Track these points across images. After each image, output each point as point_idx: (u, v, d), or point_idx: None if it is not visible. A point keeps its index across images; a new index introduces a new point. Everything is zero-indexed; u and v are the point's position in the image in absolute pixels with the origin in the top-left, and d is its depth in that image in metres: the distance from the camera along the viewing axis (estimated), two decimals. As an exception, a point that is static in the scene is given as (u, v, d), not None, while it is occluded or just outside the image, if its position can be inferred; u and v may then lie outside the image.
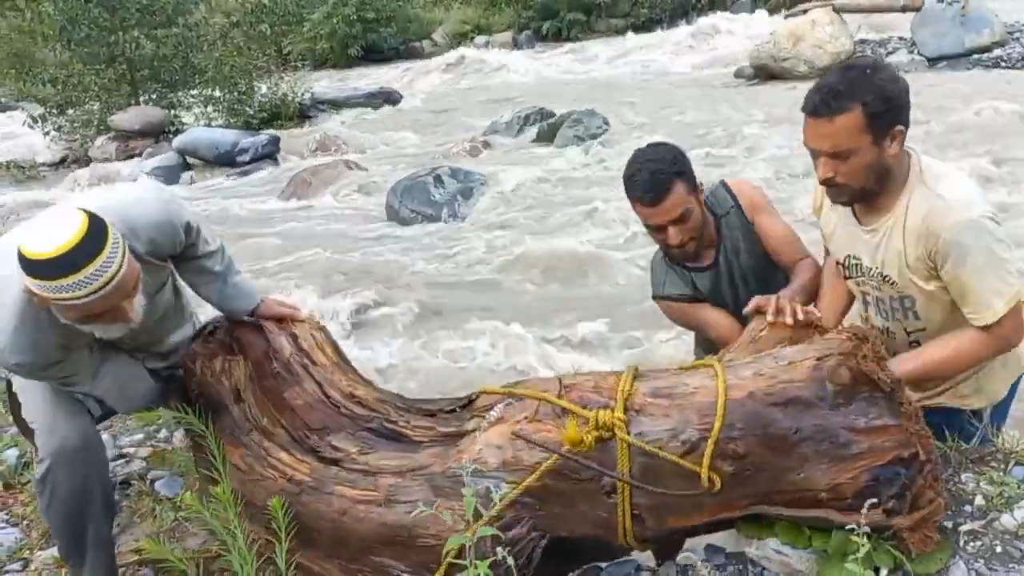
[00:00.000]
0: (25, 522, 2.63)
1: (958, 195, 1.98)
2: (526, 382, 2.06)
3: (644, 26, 21.80)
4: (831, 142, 1.97)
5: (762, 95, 12.16)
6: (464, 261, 7.11)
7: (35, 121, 15.01)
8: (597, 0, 23.11)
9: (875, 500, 1.65)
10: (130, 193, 2.14)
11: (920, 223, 1.98)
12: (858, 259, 2.18)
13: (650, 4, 22.90)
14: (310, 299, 6.12)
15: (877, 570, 1.80)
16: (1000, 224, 1.97)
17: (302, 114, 15.44)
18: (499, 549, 1.46)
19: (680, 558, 1.96)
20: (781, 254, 2.51)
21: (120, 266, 1.79)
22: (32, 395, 2.11)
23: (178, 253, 2.15)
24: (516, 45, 22.94)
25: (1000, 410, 2.22)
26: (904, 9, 14.06)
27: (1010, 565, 1.78)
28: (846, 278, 2.26)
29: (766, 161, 8.70)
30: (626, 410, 1.80)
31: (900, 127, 1.96)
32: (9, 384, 2.25)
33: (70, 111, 15.16)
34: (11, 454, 2.95)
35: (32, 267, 1.74)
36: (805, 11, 14.22)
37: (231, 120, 14.55)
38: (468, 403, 2.04)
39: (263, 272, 7.01)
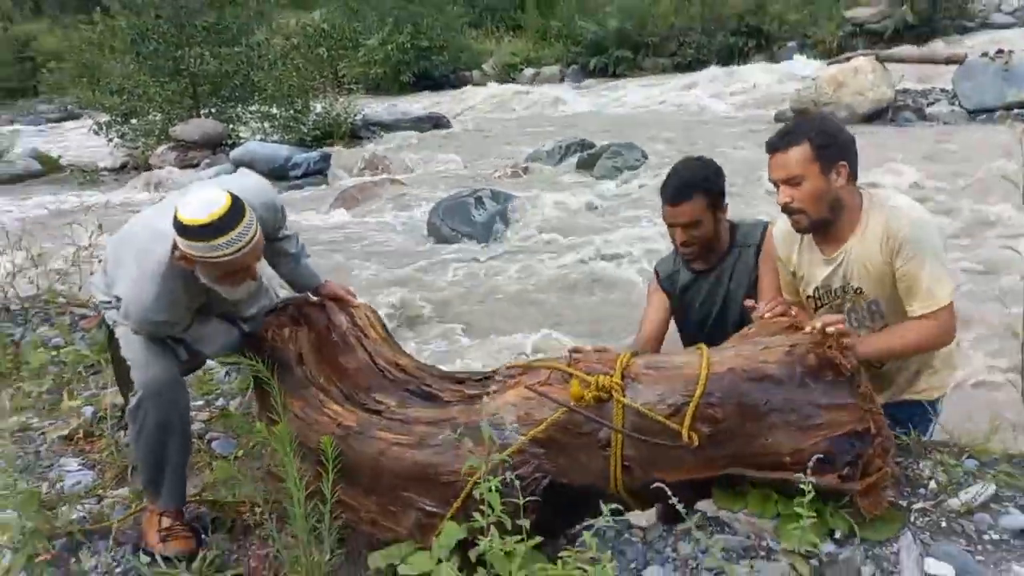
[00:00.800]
0: (99, 466, 3.00)
1: (909, 204, 2.38)
2: (543, 360, 2.40)
3: (690, 66, 22.20)
4: (785, 171, 2.38)
5: (800, 138, 12.38)
6: (498, 279, 7.46)
7: (100, 128, 15.77)
8: (645, 39, 23.59)
9: (830, 464, 1.95)
10: (247, 180, 2.58)
11: (881, 230, 2.34)
12: (827, 286, 2.52)
13: (697, 45, 23.29)
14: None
15: (832, 533, 2.09)
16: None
17: (353, 134, 16.02)
18: (508, 473, 1.78)
19: (661, 516, 2.25)
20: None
21: (256, 231, 2.23)
22: (130, 337, 2.49)
23: (271, 233, 2.55)
24: (563, 79, 23.47)
25: (934, 408, 2.58)
26: (947, 61, 14.26)
27: (952, 538, 2.05)
28: (817, 308, 2.59)
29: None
30: (623, 377, 2.13)
31: (844, 163, 2.37)
32: (109, 328, 2.64)
33: (133, 120, 15.90)
34: (88, 410, 3.34)
35: (189, 232, 2.16)
36: (848, 59, 14.49)
37: (286, 136, 15.15)
38: (493, 375, 2.38)
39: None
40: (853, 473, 2.01)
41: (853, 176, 2.40)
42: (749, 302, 2.45)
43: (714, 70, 20.19)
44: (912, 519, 2.12)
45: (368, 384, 2.48)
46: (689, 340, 2.84)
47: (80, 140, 18.13)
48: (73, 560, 2.46)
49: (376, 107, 18.19)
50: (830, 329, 2.07)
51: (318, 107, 16.08)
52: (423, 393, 2.41)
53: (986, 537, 2.02)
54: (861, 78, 13.61)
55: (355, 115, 16.27)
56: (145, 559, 2.43)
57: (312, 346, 2.62)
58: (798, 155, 2.34)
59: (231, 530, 2.57)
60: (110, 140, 15.77)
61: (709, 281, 2.89)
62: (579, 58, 24.21)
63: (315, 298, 2.79)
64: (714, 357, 2.12)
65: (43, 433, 3.20)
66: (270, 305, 2.76)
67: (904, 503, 2.15)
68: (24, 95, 28.43)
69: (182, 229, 2.17)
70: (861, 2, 24.10)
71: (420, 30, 23.64)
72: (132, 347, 2.48)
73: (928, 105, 13.95)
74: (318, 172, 12.89)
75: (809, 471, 1.91)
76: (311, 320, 2.70)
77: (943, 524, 2.09)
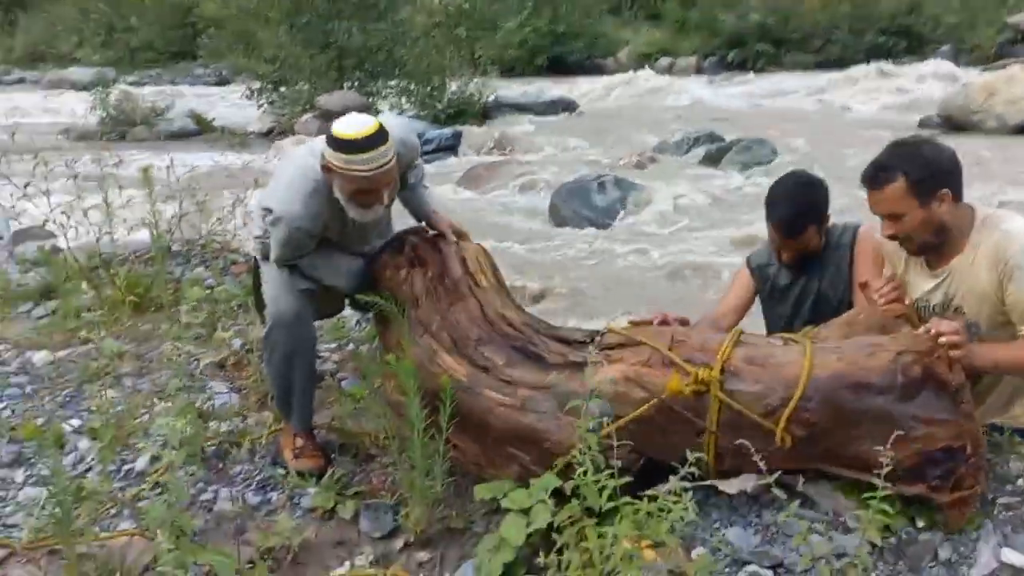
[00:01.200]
0: (244, 391, 3.38)
1: (1011, 217, 2.34)
2: (645, 330, 2.54)
3: (834, 65, 21.45)
4: (883, 208, 2.38)
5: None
6: (610, 261, 7.62)
7: (252, 94, 16.74)
8: (788, 35, 22.95)
9: (920, 475, 2.04)
10: (393, 119, 2.97)
11: (992, 253, 2.31)
12: (926, 301, 2.51)
13: (843, 44, 22.49)
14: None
15: (914, 520, 2.18)
16: None
17: (485, 114, 16.39)
18: (600, 455, 1.95)
19: (751, 487, 2.38)
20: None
21: (392, 159, 2.55)
22: (271, 273, 2.82)
23: (403, 168, 2.83)
24: (700, 71, 23.12)
25: None
26: (1116, 73, 13.36)
27: (1026, 533, 2.12)
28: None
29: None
30: (723, 371, 2.21)
31: (945, 191, 2.31)
32: (256, 266, 2.98)
33: (283, 88, 16.79)
34: (236, 342, 3.74)
35: (337, 143, 2.52)
36: (1004, 66, 13.78)
37: (421, 113, 15.66)
38: (597, 337, 2.53)
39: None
40: (943, 485, 2.06)
41: (958, 197, 2.35)
42: (863, 279, 2.52)
43: (860, 69, 19.37)
44: (996, 512, 2.19)
45: (478, 336, 2.58)
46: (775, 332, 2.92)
47: (232, 103, 19.24)
48: (220, 465, 2.83)
49: (509, 89, 18.51)
50: (943, 340, 2.06)
51: (453, 86, 16.52)
52: (529, 353, 2.52)
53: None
54: (1016, 87, 12.91)
55: (488, 95, 16.63)
56: (281, 472, 2.76)
57: (427, 290, 2.72)
58: (894, 192, 2.32)
59: (355, 456, 2.87)
60: (260, 106, 16.70)
61: (800, 283, 2.96)
62: (717, 50, 23.78)
63: (430, 232, 2.98)
64: (817, 358, 2.18)
65: (197, 359, 3.61)
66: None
67: (990, 496, 2.22)
68: (183, 59, 30.17)
69: (332, 141, 2.53)
70: (1027, 7, 22.72)
71: (558, 15, 23.78)
72: (270, 283, 2.82)
73: (1090, 119, 13.11)
74: (449, 148, 13.31)
75: (899, 482, 1.98)
76: (426, 263, 2.79)
77: (1025, 519, 2.16)
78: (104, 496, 2.48)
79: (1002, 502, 2.21)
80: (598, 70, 23.65)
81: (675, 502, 1.82)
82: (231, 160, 12.30)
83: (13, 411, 3.26)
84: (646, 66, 23.30)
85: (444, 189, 10.86)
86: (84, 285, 4.46)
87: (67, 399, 3.34)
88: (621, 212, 8.95)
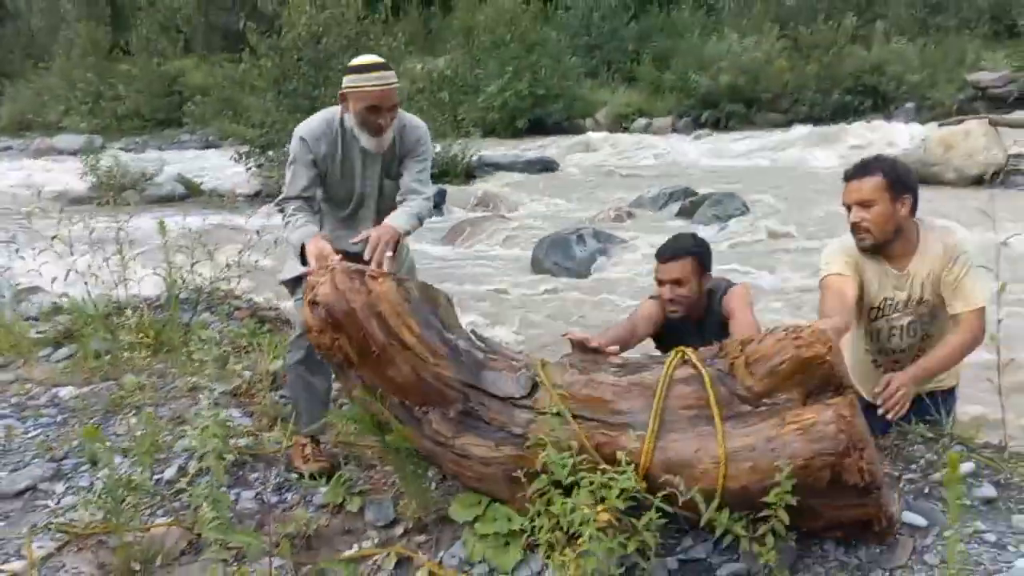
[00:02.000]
0: (256, 415, 3.75)
1: (951, 231, 3.06)
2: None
3: (803, 122, 22.32)
4: (860, 195, 2.90)
5: (904, 197, 12.55)
6: (595, 312, 8.04)
7: (240, 157, 17.29)
8: (758, 95, 23.90)
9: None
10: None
11: (940, 246, 2.91)
12: (892, 298, 3.01)
13: (811, 103, 23.44)
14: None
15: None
16: None
17: (468, 173, 17.00)
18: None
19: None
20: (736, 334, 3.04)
21: (394, 83, 3.03)
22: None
23: (404, 165, 3.22)
24: (675, 130, 23.95)
25: (954, 394, 3.10)
26: (1064, 127, 14.14)
27: (931, 501, 2.53)
28: (875, 319, 3.07)
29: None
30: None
31: (908, 196, 2.89)
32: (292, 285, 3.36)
33: (270, 152, 17.36)
34: (247, 374, 4.12)
35: (354, 69, 3.01)
36: (960, 121, 14.52)
37: (406, 173, 16.22)
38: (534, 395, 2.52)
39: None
40: (854, 534, 2.35)
41: (914, 209, 2.92)
42: (742, 316, 2.97)
43: (826, 128, 20.30)
44: (902, 486, 2.60)
45: (422, 400, 2.56)
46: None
47: (218, 168, 19.78)
48: (239, 473, 3.19)
49: (492, 149, 19.19)
50: (891, 417, 2.67)
51: (438, 147, 17.13)
52: (471, 418, 2.54)
53: (959, 503, 2.47)
54: (972, 141, 13.58)
55: (471, 155, 17.26)
56: (295, 476, 3.13)
57: (358, 354, 2.52)
58: (872, 183, 2.87)
59: (359, 464, 3.25)
60: (248, 169, 17.23)
61: (688, 327, 3.20)
62: (691, 110, 24.66)
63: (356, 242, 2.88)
64: (730, 466, 2.21)
65: (212, 390, 3.99)
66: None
67: (897, 474, 2.63)
68: (169, 125, 30.84)
69: (348, 69, 3.03)
70: (984, 66, 23.83)
71: (538, 79, 24.62)
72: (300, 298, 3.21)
73: (1040, 170, 13.80)
74: (434, 205, 13.78)
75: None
76: (342, 327, 2.49)
77: (926, 491, 2.57)
78: (149, 489, 2.84)
79: (907, 478, 2.63)
80: (577, 130, 24.44)
81: (621, 473, 2.21)
82: (222, 220, 12.79)
83: (47, 436, 3.63)
84: (623, 126, 24.19)
85: (429, 245, 11.35)
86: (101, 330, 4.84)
87: (96, 426, 3.70)
88: (600, 263, 9.42)
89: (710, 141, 21.17)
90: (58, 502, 3.06)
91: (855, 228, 2.94)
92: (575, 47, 27.87)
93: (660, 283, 3.19)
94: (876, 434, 2.83)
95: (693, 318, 3.20)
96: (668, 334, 3.25)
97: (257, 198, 16.85)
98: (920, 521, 2.39)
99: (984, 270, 2.90)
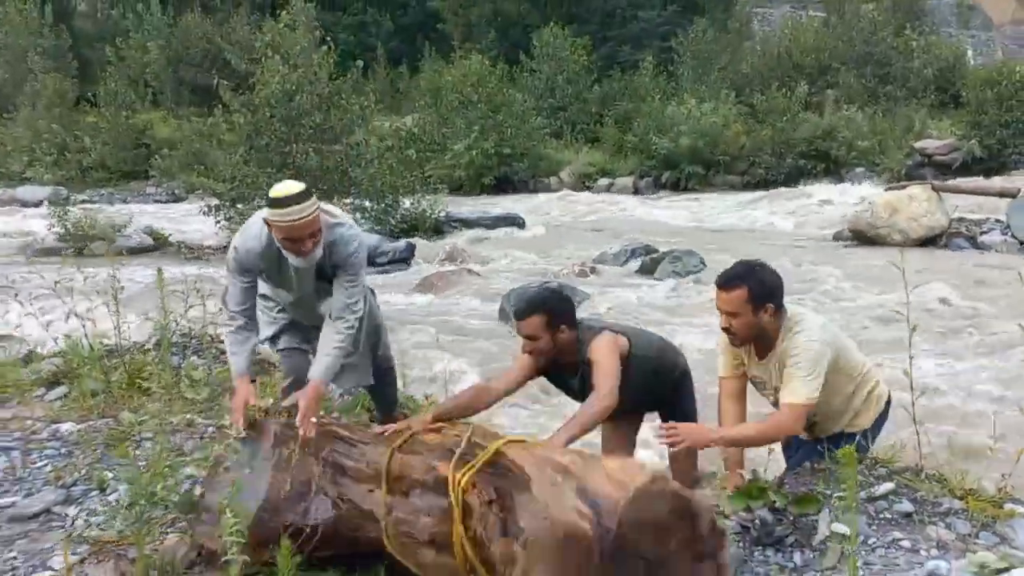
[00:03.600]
0: (249, 449, 4.02)
1: (812, 327, 3.23)
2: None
3: (758, 185, 23.28)
4: (726, 306, 3.26)
5: (853, 257, 13.18)
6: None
7: (210, 210, 17.52)
8: (716, 157, 24.86)
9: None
10: (350, 227, 3.56)
11: (787, 345, 3.23)
12: (761, 380, 3.44)
13: (766, 166, 24.45)
14: (420, 376, 7.52)
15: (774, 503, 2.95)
16: (829, 349, 3.20)
17: (436, 229, 17.45)
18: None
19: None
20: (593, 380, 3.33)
21: (311, 215, 3.21)
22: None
23: (336, 275, 3.51)
24: (636, 190, 24.79)
25: (875, 429, 3.43)
26: (1001, 194, 15.00)
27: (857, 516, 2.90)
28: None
29: (841, 310, 9.77)
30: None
31: (771, 305, 3.22)
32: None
33: (240, 205, 17.64)
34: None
35: (272, 202, 3.21)
36: (904, 186, 15.32)
37: (376, 227, 16.61)
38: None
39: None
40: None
41: (778, 309, 3.25)
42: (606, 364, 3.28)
43: (780, 190, 21.23)
44: (832, 502, 2.99)
45: None
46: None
47: (184, 220, 19.99)
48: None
49: (459, 206, 19.69)
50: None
51: (406, 203, 17.60)
52: None
53: (881, 516, 2.87)
54: (916, 205, 14.32)
55: (439, 211, 17.75)
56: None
57: None
58: (737, 297, 3.18)
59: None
60: (218, 222, 17.46)
61: (572, 377, 3.56)
62: (652, 171, 25.58)
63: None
64: None
65: (208, 426, 4.26)
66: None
67: (829, 492, 3.01)
68: (135, 177, 30.86)
69: (268, 200, 3.25)
70: (930, 134, 25.07)
71: (504, 138, 25.33)
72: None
73: (981, 234, 14.51)
74: (403, 260, 14.21)
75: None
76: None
77: (853, 506, 2.94)
78: (170, 503, 3.10)
79: (836, 495, 3.01)
80: (542, 188, 25.15)
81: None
82: (191, 272, 13.02)
83: (54, 466, 3.87)
84: (586, 185, 24.94)
85: (399, 296, 11.68)
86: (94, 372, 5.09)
87: (99, 457, 3.96)
88: (564, 315, 9.79)
89: (670, 201, 21.96)
90: (72, 523, 3.31)
91: (725, 330, 3.31)
92: (540, 108, 28.82)
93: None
94: (811, 461, 3.25)
95: (568, 365, 3.49)
96: (554, 375, 3.63)
97: (225, 250, 17.00)
98: (846, 531, 2.76)
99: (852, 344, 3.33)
